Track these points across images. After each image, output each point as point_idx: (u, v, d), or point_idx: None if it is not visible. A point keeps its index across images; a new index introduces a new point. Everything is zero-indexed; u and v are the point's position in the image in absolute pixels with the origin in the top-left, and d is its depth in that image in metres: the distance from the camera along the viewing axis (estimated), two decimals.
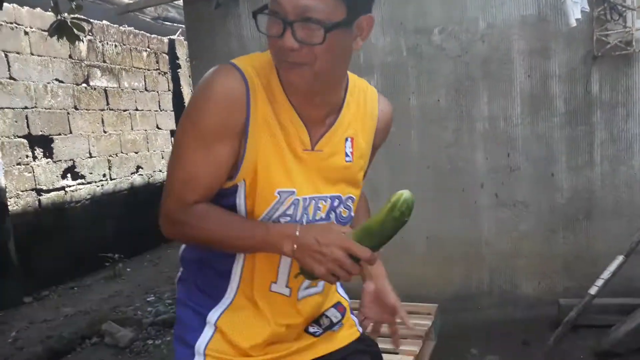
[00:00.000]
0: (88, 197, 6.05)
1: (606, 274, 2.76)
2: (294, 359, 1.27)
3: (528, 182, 3.25)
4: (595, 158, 3.14)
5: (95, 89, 6.22)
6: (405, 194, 1.04)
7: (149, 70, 7.11)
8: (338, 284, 1.40)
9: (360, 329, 1.41)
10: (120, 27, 6.63)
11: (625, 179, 3.12)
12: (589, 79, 3.09)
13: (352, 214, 1.26)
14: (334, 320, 1.33)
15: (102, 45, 6.33)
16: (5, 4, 4.67)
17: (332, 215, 1.22)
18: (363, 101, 1.24)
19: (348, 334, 1.37)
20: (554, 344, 2.80)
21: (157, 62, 7.31)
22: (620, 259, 2.74)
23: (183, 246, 1.30)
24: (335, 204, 1.21)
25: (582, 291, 2.97)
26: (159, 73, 7.33)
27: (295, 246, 1.06)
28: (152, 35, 7.21)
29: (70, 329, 4.29)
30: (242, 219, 1.14)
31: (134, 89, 6.79)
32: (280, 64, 1.07)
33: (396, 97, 3.39)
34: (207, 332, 1.22)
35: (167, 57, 7.48)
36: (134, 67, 6.84)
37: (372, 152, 1.32)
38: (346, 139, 1.21)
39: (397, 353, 2.50)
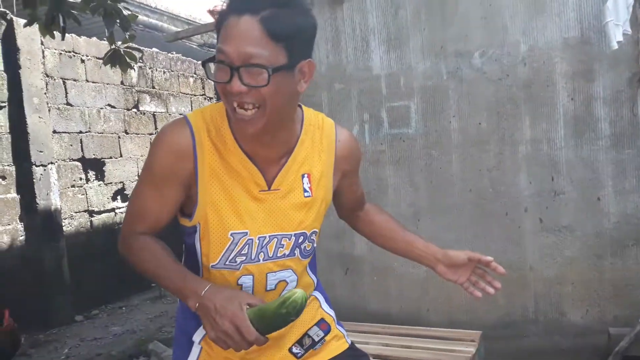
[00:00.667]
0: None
1: None
2: None
3: (573, 206, 3.17)
4: None
5: (144, 113, 6.47)
6: (296, 294, 1.09)
7: (195, 95, 7.35)
8: (324, 299, 1.47)
9: (349, 341, 1.46)
10: (169, 54, 6.89)
11: None
12: (635, 101, 3.01)
13: (315, 245, 1.36)
14: (316, 339, 1.38)
15: (152, 71, 6.59)
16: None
17: (297, 251, 1.30)
18: (319, 137, 1.33)
19: (336, 345, 1.42)
20: None
21: (203, 88, 7.54)
22: None
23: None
24: (300, 240, 1.30)
25: (633, 320, 2.87)
26: (205, 98, 7.56)
27: (197, 304, 1.15)
28: (199, 62, 7.45)
29: (119, 347, 4.42)
30: (172, 262, 1.24)
31: (181, 114, 7.01)
32: (231, 110, 1.15)
33: (437, 120, 3.39)
34: (195, 351, 1.33)
35: (212, 82, 7.70)
36: (181, 93, 7.08)
37: (347, 178, 1.41)
38: (302, 176, 1.29)
39: None
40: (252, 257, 1.25)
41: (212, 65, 1.15)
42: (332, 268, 3.68)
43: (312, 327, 1.39)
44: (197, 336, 1.34)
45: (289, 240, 1.28)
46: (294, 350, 1.36)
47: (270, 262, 1.27)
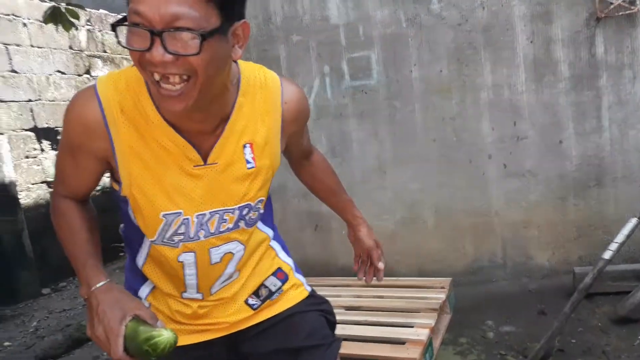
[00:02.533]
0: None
1: (620, 238, 2.70)
2: (236, 327, 1.31)
3: (536, 150, 3.19)
4: (604, 123, 3.07)
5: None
6: (162, 337, 1.01)
7: None
8: (280, 247, 1.41)
9: (309, 288, 1.42)
10: (119, 16, 6.57)
11: (635, 143, 3.05)
12: (593, 42, 3.00)
13: (262, 210, 1.27)
14: (273, 289, 1.34)
15: (101, 34, 6.29)
16: None
17: (241, 223, 1.21)
18: (261, 98, 1.17)
19: (295, 294, 1.38)
20: (569, 312, 2.77)
21: None
22: (633, 221, 2.68)
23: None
24: (245, 212, 1.20)
25: (597, 259, 2.93)
26: None
27: (86, 296, 1.09)
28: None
29: None
30: (84, 240, 1.17)
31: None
32: (152, 82, 0.96)
33: (398, 69, 3.33)
34: None
35: None
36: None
37: (294, 136, 1.30)
38: (244, 146, 1.15)
39: (412, 326, 2.51)
40: (191, 236, 1.16)
41: (124, 29, 0.93)
42: (301, 226, 3.65)
43: (268, 277, 1.34)
44: (143, 292, 1.29)
45: (232, 214, 1.18)
46: (250, 301, 1.31)
47: (213, 238, 1.18)
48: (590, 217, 3.18)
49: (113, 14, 6.44)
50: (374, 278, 1.58)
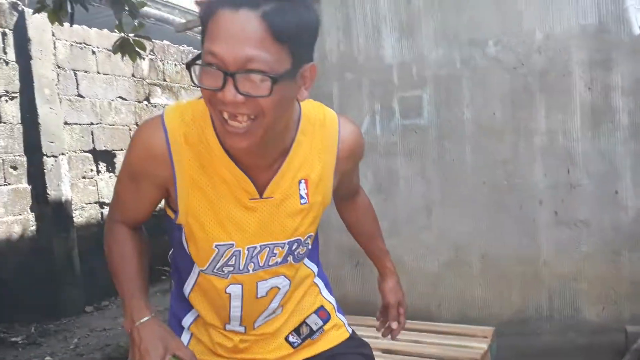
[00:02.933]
0: None
1: None
2: None
3: (590, 199, 3.08)
4: None
5: (155, 106, 6.45)
6: None
7: None
8: (324, 284, 1.40)
9: (350, 330, 1.39)
10: (180, 47, 6.86)
11: None
12: None
13: (310, 246, 1.27)
14: (314, 327, 1.32)
15: (163, 64, 6.57)
16: (75, 25, 4.94)
17: (290, 258, 1.22)
18: (320, 136, 1.19)
19: (336, 335, 1.36)
20: None
21: None
22: None
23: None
24: (294, 247, 1.21)
25: None
26: None
27: (129, 330, 1.14)
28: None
29: (127, 338, 4.41)
30: (135, 271, 1.20)
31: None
32: (219, 120, 0.98)
33: (450, 110, 3.31)
34: (185, 337, 1.31)
35: None
36: (192, 85, 7.06)
37: (346, 175, 1.31)
38: (299, 182, 1.16)
39: None
40: (241, 268, 1.18)
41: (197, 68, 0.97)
42: (342, 262, 3.61)
43: (310, 315, 1.33)
44: (187, 321, 1.30)
45: (282, 248, 1.19)
46: (291, 339, 1.30)
47: (261, 271, 1.20)
48: None
49: (175, 45, 6.73)
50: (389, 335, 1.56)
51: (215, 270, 1.18)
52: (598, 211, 3.07)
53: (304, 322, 1.32)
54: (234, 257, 1.16)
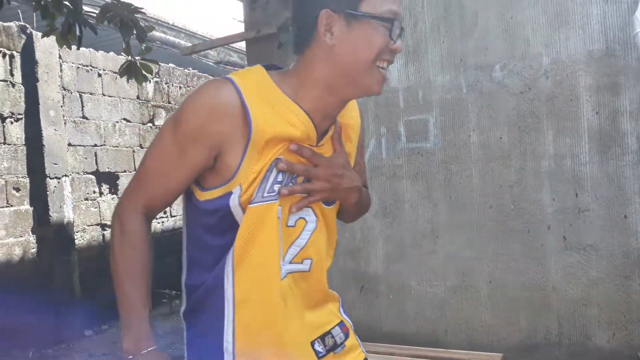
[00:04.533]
0: None
1: None
2: None
3: (598, 224, 3.05)
4: None
5: (159, 128, 6.46)
6: None
7: None
8: (340, 304, 1.38)
9: (365, 351, 1.37)
10: (185, 70, 6.91)
11: None
12: None
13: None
14: (338, 341, 1.29)
15: (168, 86, 6.60)
16: (82, 48, 4.98)
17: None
18: (351, 112, 1.30)
19: (354, 355, 1.32)
20: None
21: None
22: None
23: (184, 272, 1.24)
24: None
25: None
26: None
27: (129, 355, 1.07)
28: (215, 78, 7.46)
29: None
30: (144, 285, 1.12)
31: None
32: (375, 69, 1.11)
33: (456, 134, 3.31)
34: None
35: None
36: None
37: (357, 157, 1.35)
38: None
39: None
40: (284, 184, 1.15)
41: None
42: (346, 286, 3.57)
43: (334, 326, 1.30)
44: (228, 337, 1.15)
45: None
46: (317, 347, 1.24)
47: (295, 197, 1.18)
48: None
49: (180, 68, 6.77)
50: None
51: (265, 194, 1.12)
52: (607, 236, 3.04)
53: (329, 333, 1.28)
54: (280, 174, 1.13)
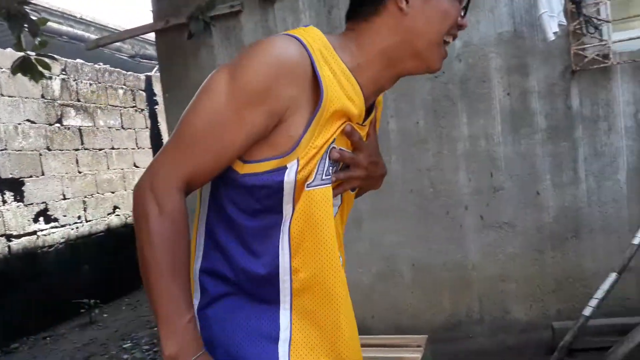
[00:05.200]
0: (62, 240, 5.82)
1: (599, 294, 2.65)
2: None
3: (513, 202, 3.16)
4: (580, 174, 3.07)
5: (69, 128, 6.09)
6: None
7: (125, 107, 7.01)
8: None
9: None
10: (95, 65, 6.55)
11: (612, 195, 3.05)
12: (569, 94, 3.04)
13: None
14: None
15: (76, 83, 6.23)
16: None
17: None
18: None
19: None
20: None
21: (134, 100, 7.22)
22: (613, 276, 2.64)
23: (199, 258, 1.06)
24: None
25: (576, 313, 2.86)
26: (136, 110, 7.24)
27: (175, 357, 0.91)
28: (128, 73, 7.14)
29: None
30: (186, 280, 0.94)
31: (109, 127, 6.66)
32: (440, 45, 1.04)
33: None
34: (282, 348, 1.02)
35: (144, 94, 7.41)
36: (110, 105, 6.73)
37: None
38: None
39: None
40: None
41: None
42: None
43: None
44: (285, 323, 1.02)
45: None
46: None
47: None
48: (568, 270, 3.12)
49: (89, 64, 6.41)
50: None
51: (324, 177, 0.99)
52: (521, 213, 3.15)
53: None
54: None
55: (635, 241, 2.57)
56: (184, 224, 0.94)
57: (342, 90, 0.98)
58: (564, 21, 2.80)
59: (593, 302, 2.66)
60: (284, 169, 0.95)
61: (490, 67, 3.13)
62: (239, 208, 1.00)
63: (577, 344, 2.77)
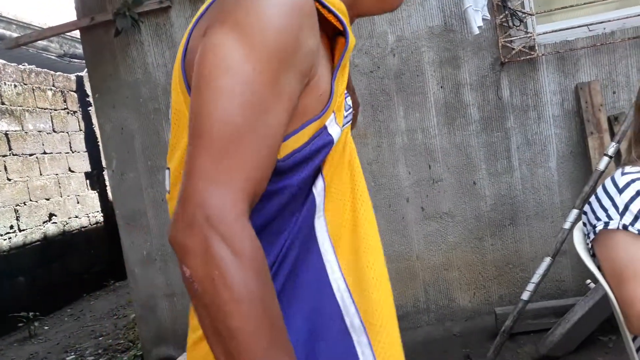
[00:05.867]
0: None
1: (536, 278, 2.74)
2: None
3: (452, 192, 3.22)
4: (514, 163, 3.16)
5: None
6: None
7: (56, 110, 6.71)
8: None
9: None
10: (19, 66, 6.22)
11: (544, 181, 3.16)
12: (499, 85, 3.12)
13: None
14: None
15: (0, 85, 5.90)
16: None
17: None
18: None
19: None
20: (494, 356, 2.74)
21: (65, 101, 6.92)
22: (547, 260, 2.74)
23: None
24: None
25: (517, 297, 2.95)
26: (68, 112, 6.94)
27: None
28: (57, 73, 6.82)
29: None
30: (286, 335, 0.65)
31: (40, 131, 6.36)
32: None
33: None
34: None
35: (75, 95, 7.10)
36: (39, 108, 6.42)
37: None
38: None
39: None
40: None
41: None
42: None
43: None
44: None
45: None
46: None
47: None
48: (507, 256, 3.22)
49: (12, 64, 6.08)
50: None
51: (344, 121, 0.84)
52: (460, 202, 3.22)
53: None
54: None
55: (567, 225, 2.67)
56: (265, 263, 0.65)
57: (348, 25, 0.82)
58: (488, 15, 2.86)
59: (530, 287, 2.74)
60: (323, 130, 0.77)
61: (423, 61, 3.16)
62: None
63: (517, 328, 2.86)
